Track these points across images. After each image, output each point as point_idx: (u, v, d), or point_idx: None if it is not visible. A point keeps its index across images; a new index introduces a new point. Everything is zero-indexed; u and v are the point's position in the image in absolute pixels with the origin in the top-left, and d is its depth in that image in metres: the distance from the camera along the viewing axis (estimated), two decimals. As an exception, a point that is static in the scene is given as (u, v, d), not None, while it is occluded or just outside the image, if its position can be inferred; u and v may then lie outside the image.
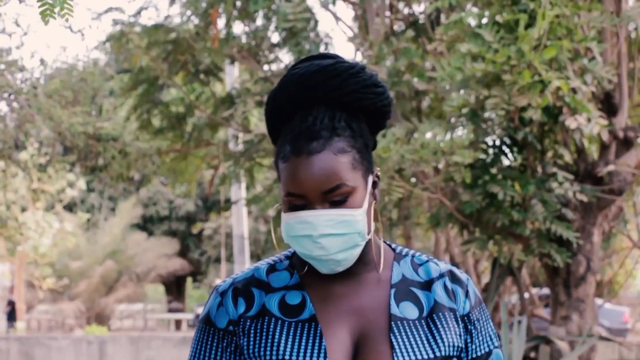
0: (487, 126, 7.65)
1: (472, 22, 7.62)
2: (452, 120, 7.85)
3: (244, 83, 10.95)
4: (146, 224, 34.14)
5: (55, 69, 10.68)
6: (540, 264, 8.65)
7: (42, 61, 10.02)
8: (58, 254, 26.51)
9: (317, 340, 1.89)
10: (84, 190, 24.57)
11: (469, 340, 1.98)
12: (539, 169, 7.97)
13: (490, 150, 7.86)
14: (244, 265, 18.23)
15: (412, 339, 1.91)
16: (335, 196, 1.87)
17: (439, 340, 1.92)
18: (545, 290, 13.08)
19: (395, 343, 1.89)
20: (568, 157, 8.21)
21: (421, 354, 1.89)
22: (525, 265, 9.22)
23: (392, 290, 1.95)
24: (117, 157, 10.08)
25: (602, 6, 7.66)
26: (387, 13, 9.65)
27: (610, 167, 8.11)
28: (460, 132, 7.78)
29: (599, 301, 13.33)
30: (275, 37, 9.71)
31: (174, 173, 12.03)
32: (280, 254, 2.06)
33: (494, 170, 7.72)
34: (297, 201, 1.87)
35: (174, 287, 36.23)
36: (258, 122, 11.65)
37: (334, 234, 1.86)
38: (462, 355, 1.97)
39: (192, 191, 14.02)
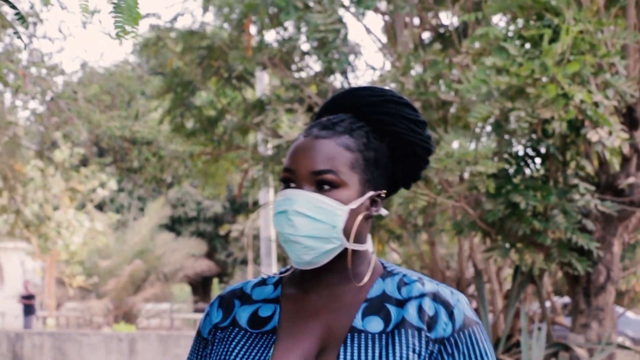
0: (511, 137, 7.82)
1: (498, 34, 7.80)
2: (477, 130, 8.03)
3: (274, 89, 11.19)
4: (174, 225, 34.48)
5: (93, 73, 10.99)
6: (562, 273, 8.79)
7: (82, 66, 10.34)
8: (88, 253, 26.88)
9: (265, 352, 1.89)
10: (114, 190, 24.90)
11: None
12: (561, 180, 8.11)
13: (514, 161, 7.99)
14: (270, 268, 18.46)
15: (362, 351, 1.87)
16: (322, 180, 1.87)
17: (391, 356, 1.86)
18: (567, 299, 13.20)
19: (342, 354, 1.86)
20: (590, 169, 8.33)
21: None
22: (547, 274, 9.35)
23: (364, 305, 1.92)
24: (151, 160, 10.37)
25: (626, 22, 7.82)
26: (416, 22, 9.85)
27: (631, 180, 8.25)
28: (484, 142, 7.95)
29: (619, 309, 13.44)
30: (305, 46, 9.94)
31: (205, 176, 12.30)
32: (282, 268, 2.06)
33: (516, 180, 7.84)
34: (289, 177, 1.89)
35: (201, 287, 36.54)
36: (287, 128, 11.90)
37: (307, 215, 1.86)
38: None
39: (221, 193, 14.30)
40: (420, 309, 1.91)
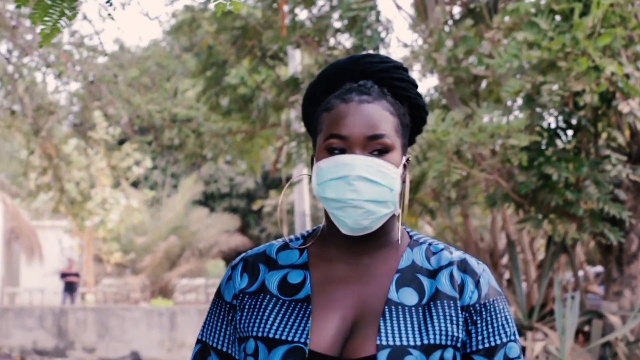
0: (543, 110, 7.91)
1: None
2: (509, 104, 8.13)
3: (307, 67, 11.34)
4: (207, 201, 34.74)
5: (132, 54, 11.21)
6: (594, 243, 8.91)
7: (120, 47, 10.56)
8: (124, 230, 27.19)
9: (304, 321, 1.86)
10: (148, 168, 25.18)
11: (473, 330, 1.90)
12: (593, 151, 8.19)
13: (545, 133, 8.08)
14: (305, 242, 18.61)
15: (402, 324, 1.85)
16: (377, 145, 1.86)
17: (430, 328, 1.86)
18: (600, 268, 13.31)
19: (382, 327, 1.84)
20: (621, 140, 8.41)
21: (407, 340, 1.83)
22: (580, 244, 9.46)
23: (396, 276, 1.90)
24: (191, 137, 10.58)
25: (655, -6, 7.88)
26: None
27: (662, 150, 8.34)
28: (516, 116, 8.06)
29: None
30: (338, 24, 10.06)
31: (241, 153, 12.49)
32: (299, 233, 2.03)
33: (548, 153, 7.94)
34: (339, 144, 1.85)
35: (235, 262, 36.72)
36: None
37: (370, 179, 1.83)
38: (467, 345, 1.90)
39: (257, 170, 14.49)
40: (451, 277, 1.91)
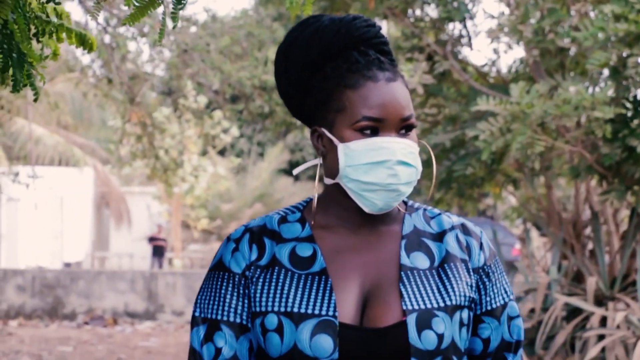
0: (628, 83, 7.92)
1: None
2: (594, 77, 8.16)
3: (393, 38, 11.46)
4: (292, 169, 35.14)
5: (223, 23, 11.47)
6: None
7: (213, 18, 10.84)
8: (211, 197, 27.72)
9: (327, 294, 1.83)
10: (235, 137, 25.61)
11: (483, 292, 1.94)
12: (678, 124, 8.19)
13: (631, 106, 8.09)
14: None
15: (422, 288, 1.86)
16: (406, 125, 1.85)
17: (450, 290, 1.87)
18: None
19: (404, 292, 1.84)
20: None
21: (431, 303, 1.84)
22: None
23: (403, 242, 1.90)
24: (280, 105, 10.77)
25: None
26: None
27: None
28: (601, 88, 8.08)
29: None
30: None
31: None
32: (290, 206, 2.00)
33: (633, 125, 7.89)
34: (372, 125, 1.83)
35: (318, 230, 37.08)
36: (408, 76, 12.17)
37: (407, 163, 1.83)
38: (477, 307, 1.94)
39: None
40: (458, 240, 1.94)
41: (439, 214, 1.97)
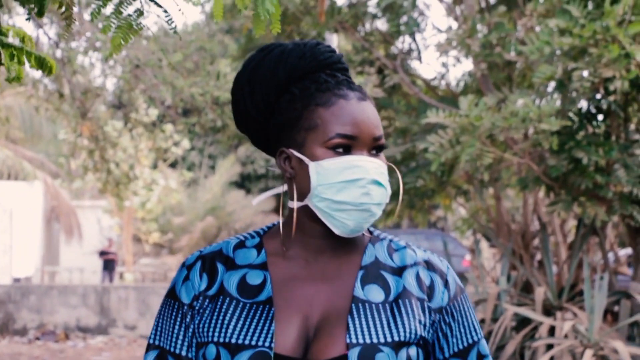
0: (573, 96, 8.05)
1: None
2: (541, 90, 8.29)
3: (343, 51, 11.57)
4: (244, 182, 35.08)
5: (174, 38, 11.50)
6: (624, 225, 9.06)
7: (165, 32, 10.86)
8: (162, 210, 27.59)
9: (267, 324, 1.79)
10: (186, 149, 25.53)
11: (449, 333, 1.88)
12: (623, 136, 8.30)
13: (576, 118, 8.21)
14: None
15: (370, 322, 1.79)
16: (376, 145, 1.82)
17: (400, 325, 1.81)
18: (630, 250, 13.42)
19: (351, 325, 1.78)
20: (651, 125, 8.53)
21: (377, 337, 1.78)
22: (611, 226, 9.60)
23: (360, 272, 1.85)
24: (233, 119, 10.83)
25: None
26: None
27: (691, 135, 8.46)
28: (548, 101, 8.21)
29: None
30: (374, 9, 10.27)
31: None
32: (252, 230, 1.94)
33: (579, 137, 8.03)
34: (345, 143, 1.78)
35: (270, 243, 36.96)
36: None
37: (380, 183, 1.79)
38: (445, 349, 1.89)
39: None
40: (418, 278, 1.87)
41: (404, 248, 1.91)
